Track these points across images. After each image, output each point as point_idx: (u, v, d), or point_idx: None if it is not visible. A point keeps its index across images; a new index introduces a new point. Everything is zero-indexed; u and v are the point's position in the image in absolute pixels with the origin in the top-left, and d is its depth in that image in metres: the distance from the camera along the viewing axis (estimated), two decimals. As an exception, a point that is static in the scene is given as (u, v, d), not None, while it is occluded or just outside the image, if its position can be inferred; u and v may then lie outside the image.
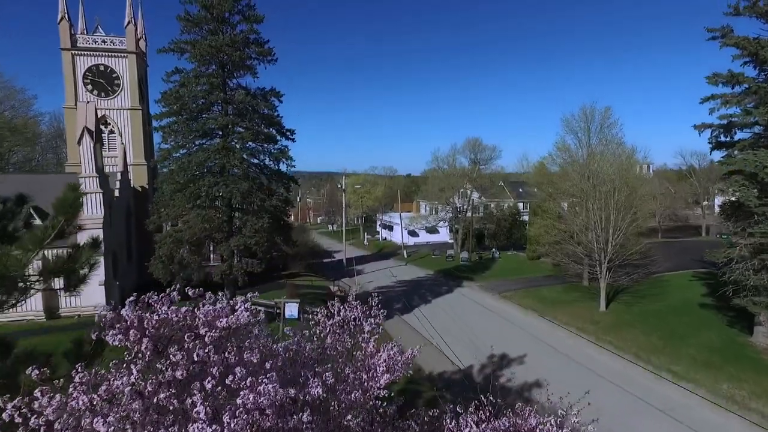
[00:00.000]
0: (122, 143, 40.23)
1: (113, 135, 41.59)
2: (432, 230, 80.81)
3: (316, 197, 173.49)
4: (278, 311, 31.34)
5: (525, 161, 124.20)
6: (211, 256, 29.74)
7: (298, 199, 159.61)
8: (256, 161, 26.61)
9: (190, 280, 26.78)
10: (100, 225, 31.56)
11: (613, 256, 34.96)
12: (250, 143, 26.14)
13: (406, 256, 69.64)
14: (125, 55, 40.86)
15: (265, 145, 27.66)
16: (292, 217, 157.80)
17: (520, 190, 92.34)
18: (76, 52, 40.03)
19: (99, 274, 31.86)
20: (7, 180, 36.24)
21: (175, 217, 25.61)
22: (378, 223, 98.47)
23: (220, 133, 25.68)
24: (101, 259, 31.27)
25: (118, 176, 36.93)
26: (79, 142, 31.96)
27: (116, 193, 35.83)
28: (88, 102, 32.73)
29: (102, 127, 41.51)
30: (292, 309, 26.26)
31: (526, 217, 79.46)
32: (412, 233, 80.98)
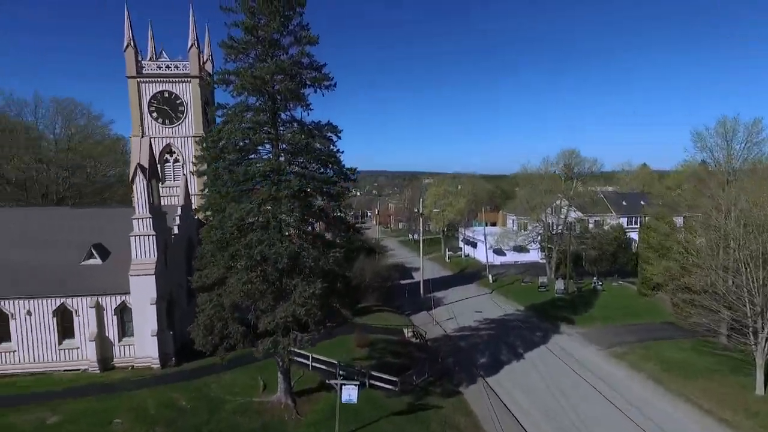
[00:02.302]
0: (184, 174, 38.10)
1: (178, 164, 39.73)
2: (521, 248, 72.69)
3: (398, 201, 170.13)
4: (340, 375, 26.83)
5: (627, 165, 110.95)
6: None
7: (377, 208, 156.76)
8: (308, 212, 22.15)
9: (233, 348, 23.02)
10: (152, 271, 29.16)
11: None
12: (302, 189, 21.69)
13: (491, 281, 62.61)
14: (188, 79, 38.74)
15: (323, 188, 23.15)
16: (373, 220, 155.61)
17: (624, 203, 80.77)
18: (142, 79, 38.57)
19: (151, 324, 29.56)
20: (72, 214, 35.45)
21: (217, 279, 22.02)
22: (460, 238, 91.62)
23: (268, 178, 21.58)
24: (153, 308, 28.99)
25: (179, 210, 34.62)
26: (132, 181, 29.73)
27: (175, 230, 33.53)
28: (142, 136, 30.48)
29: (167, 156, 39.94)
30: (350, 392, 21.49)
31: (632, 235, 68.69)
32: (499, 252, 73.42)
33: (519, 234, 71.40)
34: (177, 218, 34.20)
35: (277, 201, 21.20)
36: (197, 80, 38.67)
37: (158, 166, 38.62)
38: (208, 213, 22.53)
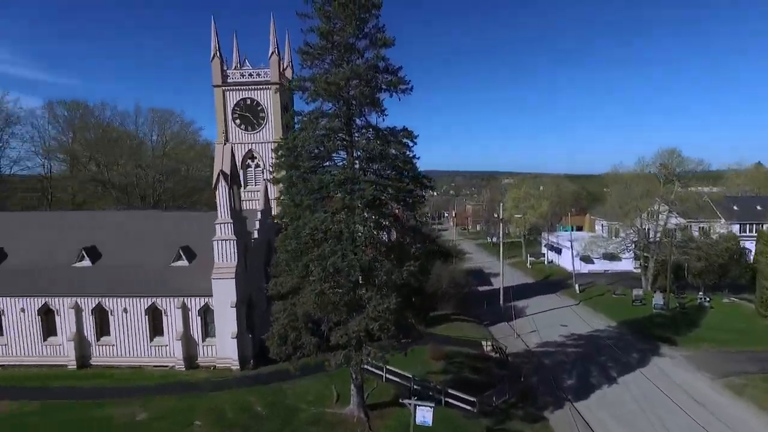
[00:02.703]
0: (264, 179, 38.99)
1: (259, 169, 40.81)
2: (611, 256, 67.05)
3: (475, 202, 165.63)
4: (414, 394, 25.68)
5: (737, 165, 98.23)
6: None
7: (454, 208, 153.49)
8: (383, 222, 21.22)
9: (308, 355, 22.69)
10: (232, 274, 29.91)
11: None
12: (376, 197, 20.82)
13: (578, 291, 58.20)
14: (269, 86, 39.63)
15: (398, 196, 22.14)
16: (450, 221, 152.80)
17: (735, 207, 71.55)
18: (226, 87, 40.07)
19: (231, 326, 30.35)
20: (164, 217, 37.59)
21: (292, 289, 21.82)
22: (543, 242, 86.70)
23: (342, 187, 20.98)
24: (233, 311, 29.70)
25: (258, 215, 35.43)
26: (215, 187, 30.72)
27: (255, 234, 34.31)
28: (225, 143, 31.42)
29: (249, 161, 41.19)
30: (425, 415, 20.26)
31: (747, 244, 60.46)
32: (586, 259, 68.27)
33: (609, 241, 65.88)
34: (257, 222, 34.99)
35: (351, 210, 20.50)
36: (277, 87, 39.42)
37: (241, 171, 40.12)
38: (285, 220, 22.39)
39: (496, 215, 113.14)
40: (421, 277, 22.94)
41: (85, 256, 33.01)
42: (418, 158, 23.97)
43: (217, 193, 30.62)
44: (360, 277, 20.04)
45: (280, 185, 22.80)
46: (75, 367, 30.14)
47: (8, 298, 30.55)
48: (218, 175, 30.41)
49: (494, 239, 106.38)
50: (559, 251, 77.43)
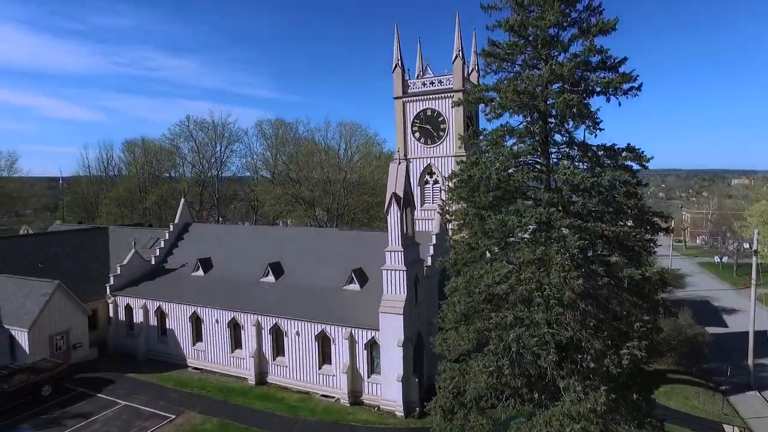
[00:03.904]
0: (442, 199, 35.34)
1: (437, 185, 37.37)
2: None
3: (695, 211, 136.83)
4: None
5: None
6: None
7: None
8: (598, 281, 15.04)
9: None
10: (400, 310, 26.89)
11: None
12: (586, 247, 14.76)
13: None
14: (451, 94, 35.80)
15: (617, 242, 15.65)
16: (662, 232, 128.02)
17: None
18: (407, 98, 37.64)
19: (396, 367, 27.35)
20: (341, 236, 36.86)
21: (460, 354, 17.39)
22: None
23: (533, 233, 15.57)
24: (399, 350, 26.59)
25: (433, 239, 31.90)
26: (386, 211, 28.15)
27: (428, 261, 30.89)
28: (405, 156, 28.59)
29: (427, 177, 38.07)
30: None
31: None
32: None
33: None
34: (431, 248, 31.52)
35: (546, 265, 14.99)
36: (460, 94, 35.36)
37: (417, 188, 37.28)
38: (456, 266, 17.95)
39: (725, 229, 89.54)
40: (649, 360, 16.06)
41: (270, 271, 34.16)
42: (646, 185, 17.43)
43: (388, 217, 28.02)
44: (554, 361, 14.44)
45: (453, 222, 18.50)
46: (254, 383, 31.00)
47: (207, 309, 33.10)
48: (390, 197, 27.76)
49: (724, 259, 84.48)
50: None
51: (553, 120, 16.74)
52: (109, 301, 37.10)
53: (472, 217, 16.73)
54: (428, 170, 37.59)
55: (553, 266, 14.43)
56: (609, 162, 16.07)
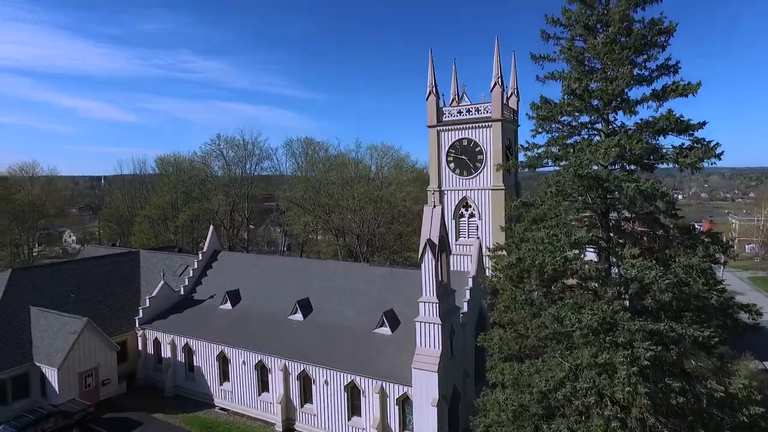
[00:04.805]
0: (478, 237, 33.25)
1: (473, 219, 35.24)
2: None
3: (744, 218, 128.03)
4: None
5: None
6: None
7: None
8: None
9: None
10: (435, 367, 25.02)
11: None
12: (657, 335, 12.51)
13: None
14: (489, 124, 33.60)
15: (693, 338, 13.21)
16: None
17: None
18: (441, 127, 35.63)
19: (430, 427, 25.51)
20: (371, 272, 35.18)
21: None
22: None
23: (594, 334, 13.34)
24: (433, 410, 24.71)
25: (470, 282, 29.90)
26: (420, 258, 26.30)
27: (464, 307, 28.93)
28: (434, 206, 26.69)
29: (462, 210, 35.98)
30: None
31: None
32: None
33: None
34: (467, 291, 29.56)
35: (608, 371, 12.91)
36: (499, 124, 33.16)
37: (452, 221, 35.30)
38: (500, 371, 15.79)
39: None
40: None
41: (299, 309, 32.94)
42: (737, 255, 15.14)
43: (422, 265, 26.13)
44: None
45: (500, 304, 16.46)
46: (281, 429, 29.79)
47: (234, 349, 32.11)
48: (425, 245, 25.88)
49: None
50: None
51: (614, 195, 14.55)
52: (138, 333, 36.71)
53: (521, 304, 14.74)
54: (463, 203, 35.51)
55: (618, 379, 12.33)
56: (688, 241, 13.78)
